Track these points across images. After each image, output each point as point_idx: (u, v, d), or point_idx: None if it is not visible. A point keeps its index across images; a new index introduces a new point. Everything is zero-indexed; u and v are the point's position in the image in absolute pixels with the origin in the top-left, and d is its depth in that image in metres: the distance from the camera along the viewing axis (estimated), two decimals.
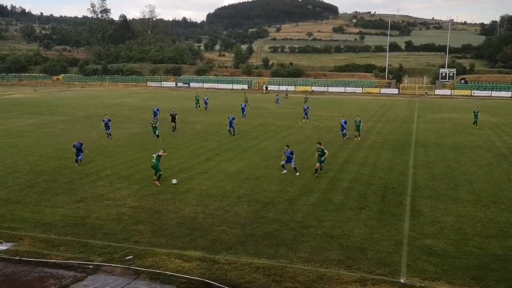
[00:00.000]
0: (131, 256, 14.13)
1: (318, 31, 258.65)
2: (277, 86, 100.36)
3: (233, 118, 37.22)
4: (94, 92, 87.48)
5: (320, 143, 24.97)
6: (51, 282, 12.66)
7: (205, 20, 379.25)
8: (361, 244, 15.33)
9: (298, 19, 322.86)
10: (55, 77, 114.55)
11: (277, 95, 69.60)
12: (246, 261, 13.90)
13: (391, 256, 14.37)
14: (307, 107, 48.54)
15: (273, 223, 17.20)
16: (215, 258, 14.10)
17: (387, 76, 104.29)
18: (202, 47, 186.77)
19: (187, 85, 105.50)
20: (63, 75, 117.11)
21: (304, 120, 46.72)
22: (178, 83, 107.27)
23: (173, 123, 39.07)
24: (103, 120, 35.42)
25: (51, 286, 12.40)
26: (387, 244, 15.30)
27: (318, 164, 24.39)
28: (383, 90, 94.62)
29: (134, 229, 16.47)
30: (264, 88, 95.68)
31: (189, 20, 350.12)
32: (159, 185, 21.94)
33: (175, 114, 39.69)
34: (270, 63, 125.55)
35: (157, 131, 34.66)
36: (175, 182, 22.45)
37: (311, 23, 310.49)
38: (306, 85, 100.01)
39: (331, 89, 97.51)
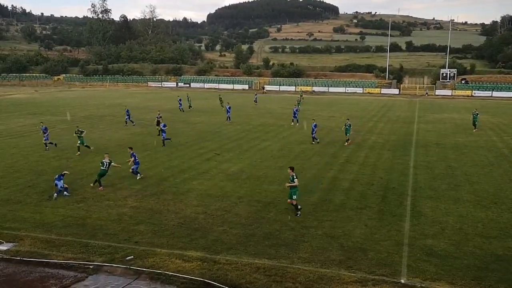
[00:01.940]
0: (132, 256, 14.14)
1: (319, 31, 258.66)
2: (277, 87, 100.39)
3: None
4: (95, 92, 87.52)
5: (292, 168, 18.71)
6: (52, 282, 12.66)
7: (205, 20, 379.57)
8: (362, 244, 15.33)
9: (298, 19, 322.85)
10: (55, 77, 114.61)
11: (255, 94, 69.15)
12: (246, 262, 13.90)
13: (392, 257, 14.36)
14: (297, 110, 45.34)
15: (274, 224, 17.19)
16: (215, 259, 14.11)
17: (388, 76, 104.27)
18: (203, 47, 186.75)
19: (188, 85, 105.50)
20: (64, 75, 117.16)
21: (293, 123, 43.47)
22: (179, 83, 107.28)
23: (158, 127, 36.68)
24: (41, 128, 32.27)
25: (52, 286, 12.41)
26: (387, 245, 15.29)
27: (289, 200, 18.34)
28: (384, 91, 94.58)
29: (134, 230, 16.48)
30: (262, 88, 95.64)
31: (189, 20, 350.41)
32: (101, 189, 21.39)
33: (160, 117, 38.32)
34: (271, 63, 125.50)
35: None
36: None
37: (312, 23, 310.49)
38: (307, 85, 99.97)
39: (331, 89, 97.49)
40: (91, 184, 21.84)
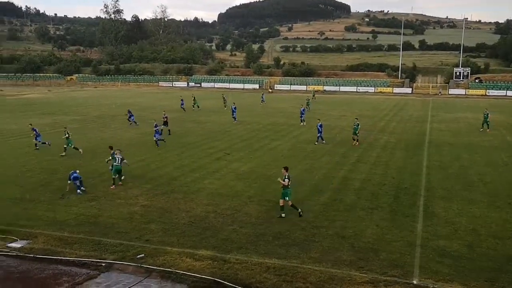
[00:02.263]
0: (143, 255, 14.21)
1: (330, 30, 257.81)
2: (288, 86, 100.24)
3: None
4: (106, 92, 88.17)
5: (287, 169, 18.21)
6: (64, 279, 12.78)
7: (216, 20, 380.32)
8: (373, 245, 15.23)
9: (310, 18, 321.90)
10: (68, 77, 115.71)
11: (262, 94, 69.80)
12: (256, 261, 13.89)
13: (404, 257, 14.25)
14: (304, 110, 44.45)
15: (284, 223, 17.16)
16: (226, 258, 14.12)
17: (400, 75, 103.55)
18: (214, 47, 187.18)
19: (198, 85, 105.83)
20: (77, 75, 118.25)
21: (302, 124, 42.71)
22: (190, 83, 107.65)
23: (165, 126, 37.36)
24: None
25: (65, 283, 12.52)
26: (399, 245, 15.17)
27: (281, 200, 17.86)
28: (396, 90, 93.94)
29: (145, 228, 16.57)
30: (269, 88, 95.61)
31: (200, 20, 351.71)
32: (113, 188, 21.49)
33: (166, 117, 38.25)
34: (282, 62, 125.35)
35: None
36: None
37: (323, 22, 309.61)
38: (318, 85, 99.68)
39: (343, 88, 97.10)
40: (120, 184, 21.91)
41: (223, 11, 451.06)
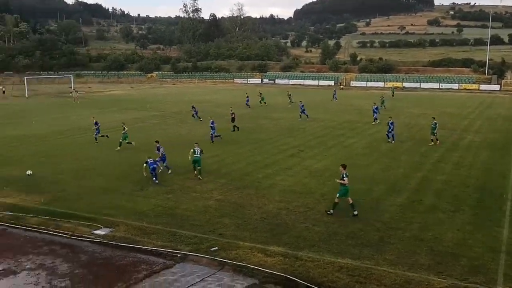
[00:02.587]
0: (216, 248, 14.51)
1: (411, 25, 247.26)
2: (365, 82, 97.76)
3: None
4: (184, 89, 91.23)
5: (344, 166, 17.92)
6: (143, 267, 13.38)
7: (292, 16, 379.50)
8: (454, 249, 14.40)
9: (389, 12, 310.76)
10: (149, 75, 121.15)
11: (334, 90, 68.06)
12: (329, 260, 13.67)
13: (487, 264, 13.34)
14: (376, 108, 42.39)
15: (358, 223, 16.74)
16: (297, 255, 14.03)
17: (488, 71, 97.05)
18: (289, 44, 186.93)
19: (272, 82, 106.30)
20: (157, 72, 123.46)
21: (374, 122, 40.81)
22: (264, 80, 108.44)
23: (232, 122, 37.39)
24: None
25: (143, 271, 13.10)
26: (482, 251, 14.22)
27: (338, 198, 17.52)
28: (483, 87, 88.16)
29: (219, 222, 16.91)
30: (340, 84, 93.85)
31: (276, 17, 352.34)
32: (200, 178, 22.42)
33: (234, 114, 38.05)
34: (358, 58, 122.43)
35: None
36: (29, 173, 23.55)
37: (404, 16, 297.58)
38: (397, 81, 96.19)
39: (424, 85, 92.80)
40: (195, 174, 22.86)
41: (299, 7, 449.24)
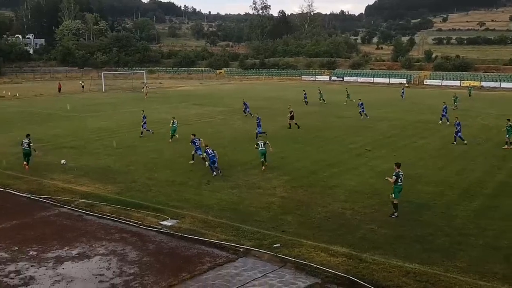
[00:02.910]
0: (279, 244, 14.50)
1: (492, 21, 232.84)
2: (440, 81, 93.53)
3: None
4: (251, 85, 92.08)
5: (398, 165, 17.26)
6: (207, 259, 13.67)
7: (363, 12, 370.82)
8: None
9: (468, 7, 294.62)
10: (218, 71, 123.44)
11: (402, 88, 65.41)
12: (395, 264, 13.22)
13: None
14: (445, 107, 40.29)
15: (427, 227, 16.05)
16: (362, 256, 13.70)
17: None
18: (359, 40, 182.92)
19: (341, 79, 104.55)
20: (225, 69, 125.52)
21: (440, 122, 39.30)
22: (332, 77, 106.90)
23: (292, 121, 36.74)
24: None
25: (207, 263, 13.38)
26: None
27: (396, 199, 17.00)
28: None
29: (282, 219, 16.89)
30: (406, 83, 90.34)
31: (347, 13, 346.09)
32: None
33: (292, 112, 36.97)
34: (433, 55, 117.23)
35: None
36: (63, 162, 24.72)
37: (484, 11, 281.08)
38: (474, 80, 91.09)
39: (504, 84, 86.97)
40: (263, 168, 23.29)
41: (371, 2, 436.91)
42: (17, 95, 64.65)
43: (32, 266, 13.14)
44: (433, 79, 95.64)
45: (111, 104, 54.53)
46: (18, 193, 19.88)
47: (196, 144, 25.12)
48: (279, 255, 13.82)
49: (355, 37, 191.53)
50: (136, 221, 16.57)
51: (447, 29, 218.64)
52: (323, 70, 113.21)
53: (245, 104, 45.13)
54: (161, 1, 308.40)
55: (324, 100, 55.50)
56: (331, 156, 27.36)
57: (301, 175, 22.91)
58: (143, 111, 35.19)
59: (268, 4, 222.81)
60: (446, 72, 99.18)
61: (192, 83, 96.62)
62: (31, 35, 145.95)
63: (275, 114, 45.57)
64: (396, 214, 16.99)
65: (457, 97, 51.92)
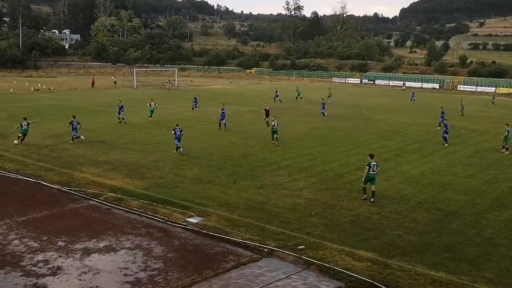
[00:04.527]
0: (303, 246, 14.43)
1: None
2: (474, 87, 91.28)
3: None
4: (281, 86, 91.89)
5: (372, 156, 19.52)
6: (231, 258, 13.72)
7: (397, 15, 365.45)
8: None
9: (507, 12, 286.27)
10: (248, 71, 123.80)
11: (412, 92, 66.48)
12: (421, 271, 12.97)
13: None
14: (443, 113, 39.52)
15: (456, 236, 15.69)
16: (387, 263, 13.50)
17: None
18: (392, 43, 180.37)
19: (372, 82, 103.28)
20: (255, 69, 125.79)
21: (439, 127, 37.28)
22: (363, 80, 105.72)
23: (266, 118, 37.99)
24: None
25: (231, 262, 13.43)
26: None
27: (372, 186, 19.05)
28: None
29: (307, 221, 16.80)
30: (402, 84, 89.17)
31: (380, 16, 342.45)
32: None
33: (268, 110, 38.97)
34: (468, 61, 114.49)
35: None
36: (16, 143, 27.53)
37: None
38: (510, 87, 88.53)
39: None
40: (364, 197, 22.26)
41: (406, 5, 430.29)
42: (52, 88, 66.46)
43: (60, 256, 13.47)
44: (467, 84, 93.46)
45: (141, 100, 55.30)
46: (50, 185, 20.41)
47: (177, 134, 26.94)
48: (303, 257, 13.75)
49: (388, 40, 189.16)
50: (162, 217, 16.77)
51: (483, 34, 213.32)
52: (354, 73, 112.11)
53: (276, 92, 50.11)
54: (194, 0, 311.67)
55: (302, 98, 58.43)
56: (359, 159, 26.99)
57: (328, 177, 22.74)
58: (120, 101, 38.96)
59: (301, 5, 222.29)
60: (481, 78, 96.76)
61: (222, 82, 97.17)
62: (67, 30, 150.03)
63: (302, 115, 45.41)
64: (364, 197, 19.19)
65: (463, 103, 50.88)
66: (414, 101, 61.94)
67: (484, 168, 25.61)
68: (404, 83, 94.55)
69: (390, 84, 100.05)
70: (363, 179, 19.43)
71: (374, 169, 18.99)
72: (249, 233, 15.50)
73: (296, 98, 58.67)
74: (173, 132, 27.26)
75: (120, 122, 37.38)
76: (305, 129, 37.26)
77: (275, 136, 30.00)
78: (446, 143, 31.63)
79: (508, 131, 29.78)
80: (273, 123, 30.30)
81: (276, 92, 56.71)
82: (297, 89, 61.78)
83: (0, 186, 20.44)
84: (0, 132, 30.95)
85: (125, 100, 54.80)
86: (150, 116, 39.13)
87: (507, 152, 29.50)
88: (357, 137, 34.48)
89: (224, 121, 35.60)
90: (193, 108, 47.14)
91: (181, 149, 27.08)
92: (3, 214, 16.54)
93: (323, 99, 48.18)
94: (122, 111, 37.57)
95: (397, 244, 14.90)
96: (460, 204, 19.02)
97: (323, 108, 44.25)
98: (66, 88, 67.87)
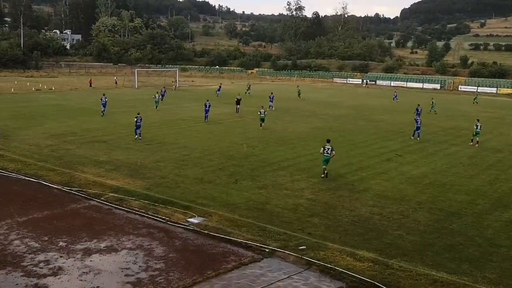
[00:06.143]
0: (304, 247, 14.44)
1: None
2: (475, 87, 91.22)
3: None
4: (282, 86, 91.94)
5: (328, 141, 22.84)
6: (232, 258, 13.72)
7: (398, 15, 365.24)
8: None
9: (508, 12, 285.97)
10: (249, 71, 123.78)
11: (395, 91, 69.38)
12: (422, 272, 12.98)
13: None
14: (418, 110, 42.55)
15: (457, 236, 15.69)
16: (388, 263, 13.50)
17: None
18: (393, 44, 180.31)
19: (373, 83, 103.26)
20: (257, 69, 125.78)
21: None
22: (364, 80, 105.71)
23: (237, 106, 45.66)
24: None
25: (232, 262, 13.44)
26: None
27: (324, 166, 22.62)
28: None
29: (308, 221, 16.81)
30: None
31: (381, 16, 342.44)
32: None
33: (240, 99, 46.37)
34: (469, 61, 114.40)
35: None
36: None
37: None
38: (510, 87, 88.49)
39: None
40: (322, 175, 22.66)
41: (407, 6, 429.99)
42: (53, 88, 66.51)
43: (61, 256, 13.48)
44: (468, 85, 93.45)
45: (143, 100, 55.38)
46: (51, 185, 20.44)
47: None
48: (305, 257, 13.75)
49: (389, 41, 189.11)
50: (163, 217, 16.78)
51: (484, 34, 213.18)
52: (355, 73, 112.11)
53: (271, 97, 49.66)
54: (196, 0, 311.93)
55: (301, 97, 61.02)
56: (360, 159, 27.06)
57: (330, 178, 22.72)
58: (104, 94, 42.30)
59: (303, 5, 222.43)
60: (482, 79, 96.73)
61: (223, 82, 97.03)
62: (68, 30, 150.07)
63: (306, 115, 45.42)
64: (323, 176, 22.29)
65: (433, 102, 51.11)
66: (397, 100, 63.66)
67: (485, 169, 25.60)
68: (367, 81, 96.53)
69: (391, 84, 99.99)
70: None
71: (328, 152, 22.06)
72: (250, 233, 15.50)
73: (299, 96, 61.82)
74: (135, 119, 30.35)
75: (102, 116, 40.61)
76: (307, 129, 37.25)
77: (261, 123, 36.16)
78: (413, 136, 33.87)
79: (477, 126, 32.03)
80: (261, 111, 36.22)
81: (271, 97, 51.17)
82: (298, 89, 63.60)
83: (1, 186, 20.47)
84: (1, 132, 30.96)
85: (126, 101, 55.02)
86: (156, 107, 45.82)
87: (477, 145, 31.52)
88: (358, 137, 34.47)
89: (207, 114, 39.44)
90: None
91: (140, 137, 30.40)
92: (4, 214, 16.57)
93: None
94: (105, 107, 41.22)
95: (398, 245, 14.90)
96: (461, 205, 19.01)
97: (271, 101, 49.11)
98: (67, 88, 67.92)
